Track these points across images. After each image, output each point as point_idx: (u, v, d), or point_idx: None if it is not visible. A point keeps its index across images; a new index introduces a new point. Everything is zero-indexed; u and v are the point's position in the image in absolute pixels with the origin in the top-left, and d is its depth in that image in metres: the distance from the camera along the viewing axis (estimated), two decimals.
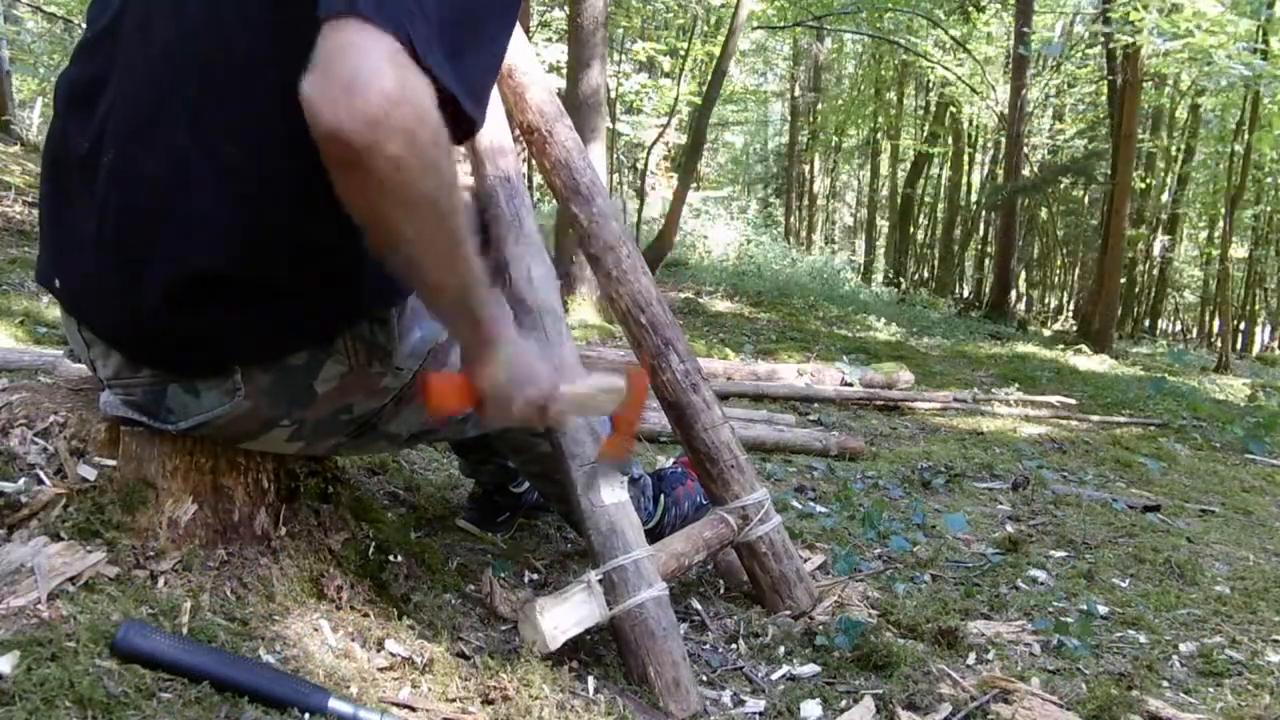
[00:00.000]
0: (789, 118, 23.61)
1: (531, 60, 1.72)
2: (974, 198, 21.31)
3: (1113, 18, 9.74)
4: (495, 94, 1.68)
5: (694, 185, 17.93)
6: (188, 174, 1.04)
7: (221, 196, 1.04)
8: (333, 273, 1.13)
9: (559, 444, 1.48)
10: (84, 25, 1.16)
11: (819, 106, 21.69)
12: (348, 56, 0.83)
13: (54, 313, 3.44)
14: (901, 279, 20.58)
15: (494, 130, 1.66)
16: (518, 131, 1.75)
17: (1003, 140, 16.40)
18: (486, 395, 1.12)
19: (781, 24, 14.21)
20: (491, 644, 1.46)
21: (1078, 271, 23.58)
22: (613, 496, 1.45)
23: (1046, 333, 15.14)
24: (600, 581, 1.40)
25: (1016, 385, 5.92)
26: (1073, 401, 5.37)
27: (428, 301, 1.09)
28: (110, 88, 1.08)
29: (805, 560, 1.95)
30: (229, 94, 1.03)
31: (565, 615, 1.35)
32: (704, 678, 1.50)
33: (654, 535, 1.72)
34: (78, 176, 1.10)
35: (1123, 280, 14.88)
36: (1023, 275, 21.07)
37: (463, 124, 0.93)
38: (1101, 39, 11.08)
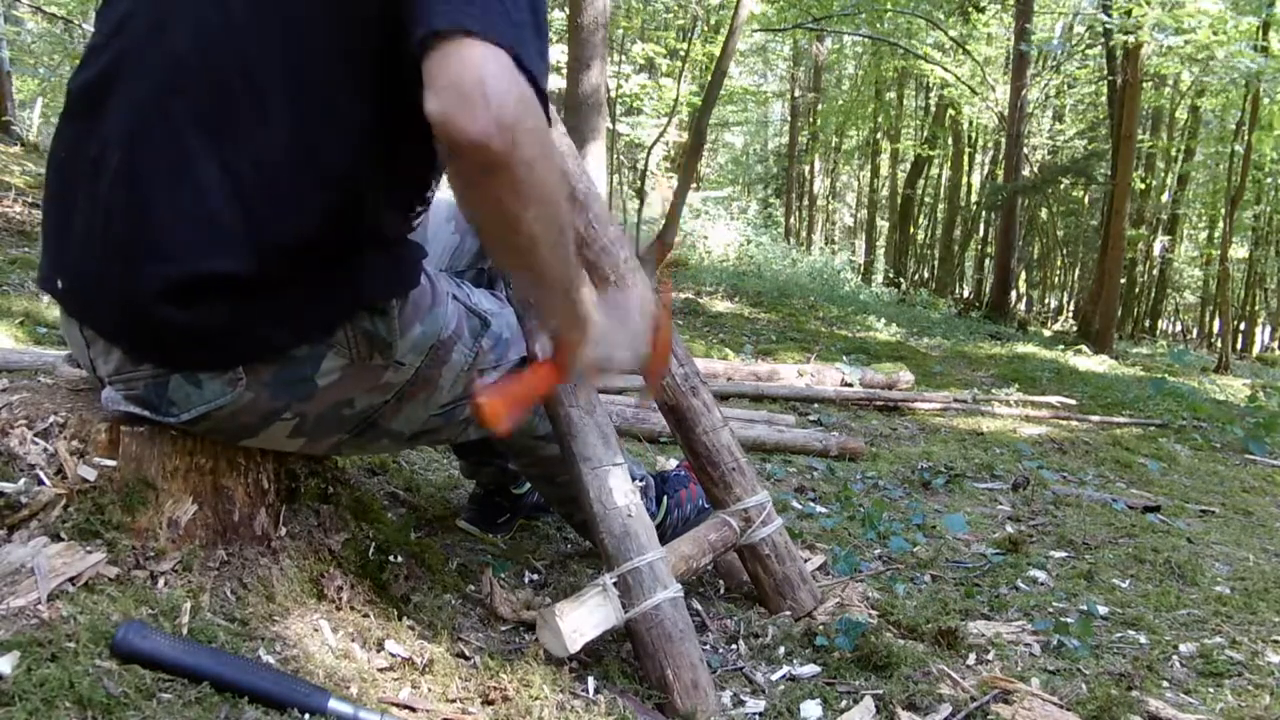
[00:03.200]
0: (789, 118, 23.61)
1: None
2: (974, 198, 21.32)
3: (1113, 12, 9.72)
4: None
5: (694, 185, 17.93)
6: (193, 175, 1.05)
7: (224, 198, 1.05)
8: (333, 267, 1.14)
9: (570, 449, 1.48)
10: (92, 28, 1.20)
11: (819, 107, 21.69)
12: (476, 71, 0.91)
13: (54, 313, 3.44)
14: (901, 279, 20.59)
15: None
16: None
17: (1003, 140, 16.40)
18: (576, 367, 1.25)
19: (781, 26, 14.22)
20: (491, 644, 1.47)
21: (1078, 272, 23.59)
22: (625, 499, 1.44)
23: (1046, 333, 15.14)
24: (615, 584, 1.40)
25: (1016, 386, 5.92)
26: (1072, 402, 5.37)
27: (533, 293, 1.18)
28: (118, 90, 1.10)
29: (805, 561, 1.95)
30: (239, 100, 1.06)
31: (584, 618, 1.35)
32: None
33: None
34: (84, 178, 1.12)
35: (1123, 281, 14.87)
36: (1023, 276, 21.07)
37: None
38: (1102, 38, 11.03)
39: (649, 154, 12.32)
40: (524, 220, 0.98)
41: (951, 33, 15.76)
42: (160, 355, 1.12)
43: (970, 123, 20.31)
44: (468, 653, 1.38)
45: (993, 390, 5.52)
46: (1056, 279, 25.48)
